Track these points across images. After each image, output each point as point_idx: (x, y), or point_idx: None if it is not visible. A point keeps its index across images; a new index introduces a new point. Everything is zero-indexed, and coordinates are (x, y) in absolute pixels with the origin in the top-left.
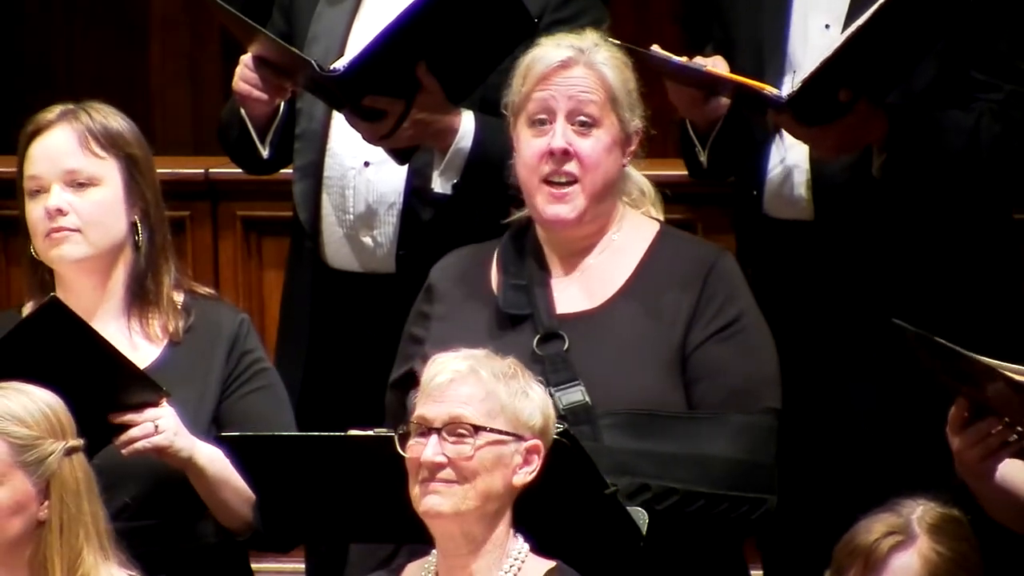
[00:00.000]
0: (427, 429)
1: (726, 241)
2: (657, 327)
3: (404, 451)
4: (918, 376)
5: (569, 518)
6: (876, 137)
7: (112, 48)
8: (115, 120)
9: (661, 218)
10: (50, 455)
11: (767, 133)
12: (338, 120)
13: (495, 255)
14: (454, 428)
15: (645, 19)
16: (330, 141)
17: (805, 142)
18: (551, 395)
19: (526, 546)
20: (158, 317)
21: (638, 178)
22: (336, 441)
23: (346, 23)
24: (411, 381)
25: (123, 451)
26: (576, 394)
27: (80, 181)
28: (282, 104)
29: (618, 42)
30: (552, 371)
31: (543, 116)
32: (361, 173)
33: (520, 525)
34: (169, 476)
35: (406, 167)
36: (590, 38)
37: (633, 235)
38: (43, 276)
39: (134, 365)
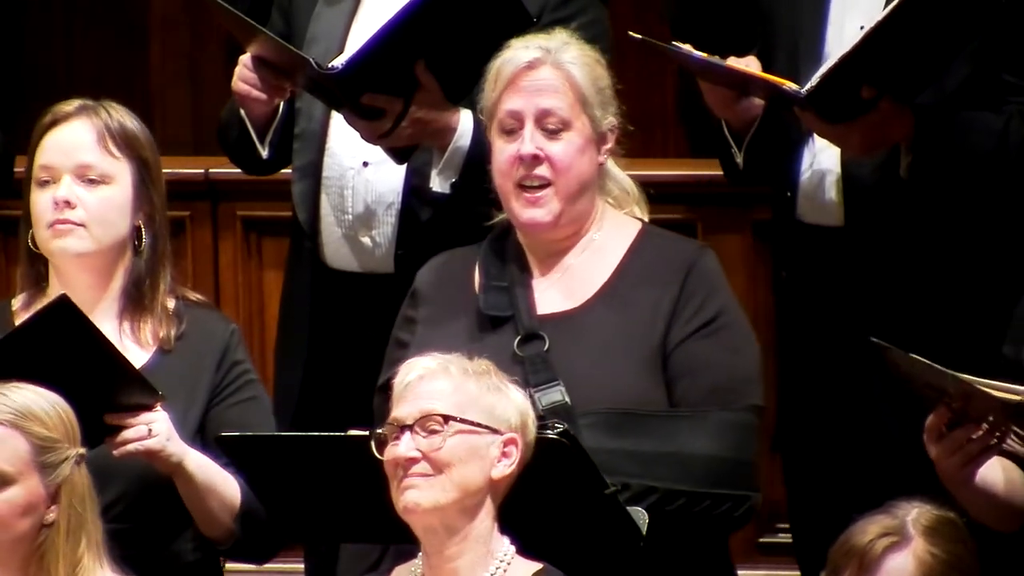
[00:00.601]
0: (400, 428)
1: (726, 241)
2: (638, 325)
3: (381, 455)
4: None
5: (569, 518)
6: (902, 136)
7: (112, 48)
8: (132, 122)
9: (645, 218)
10: (65, 460)
11: (802, 135)
12: (337, 120)
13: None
14: (425, 423)
15: (645, 19)
16: (329, 141)
17: (830, 140)
18: (531, 396)
19: (512, 548)
20: (150, 323)
21: (621, 178)
22: (334, 441)
23: (345, 24)
24: None
25: (115, 452)
26: (555, 394)
27: (92, 177)
28: (281, 104)
29: (639, 36)
30: (532, 372)
31: (512, 124)
32: (360, 173)
33: (519, 525)
34: (148, 484)
35: (405, 167)
36: (559, 37)
37: (614, 234)
38: (39, 268)
39: (134, 368)
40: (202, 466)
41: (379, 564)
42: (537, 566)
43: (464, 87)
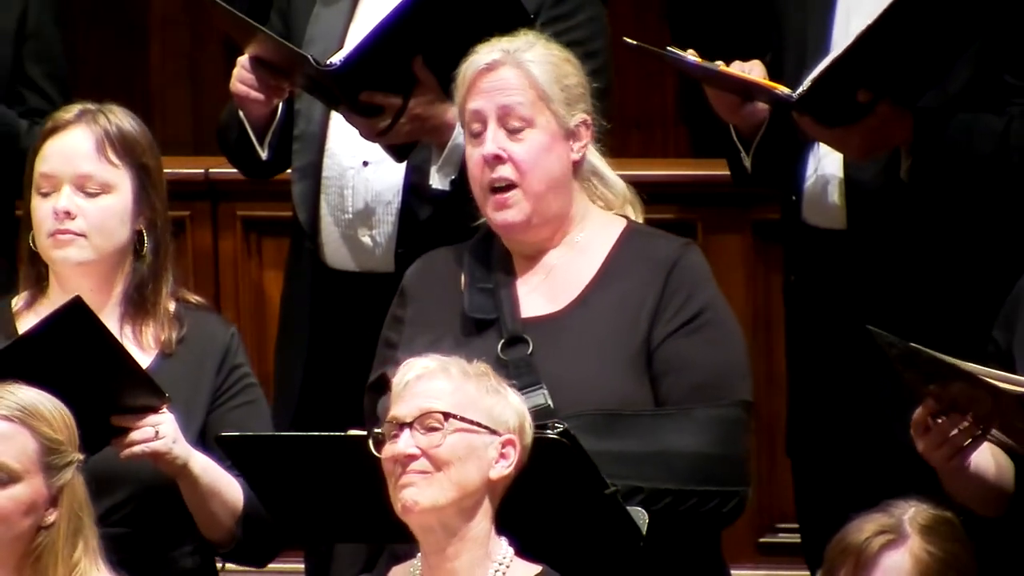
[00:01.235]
0: (400, 426)
1: (726, 241)
2: (622, 325)
3: (380, 454)
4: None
5: (569, 518)
6: (902, 139)
7: (112, 48)
8: (132, 126)
9: (639, 219)
10: (68, 463)
11: (807, 139)
12: (336, 121)
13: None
14: (424, 420)
15: (644, 19)
16: (328, 142)
17: (829, 144)
18: None
19: (511, 550)
20: (152, 327)
21: (613, 180)
22: (334, 441)
23: (343, 24)
24: (385, 385)
25: (121, 454)
26: (538, 398)
27: (92, 186)
28: (280, 106)
29: (634, 42)
30: (516, 375)
31: (478, 126)
32: (359, 173)
33: (518, 526)
34: (152, 489)
35: (404, 165)
36: (524, 38)
37: (598, 234)
38: (40, 269)
39: (143, 369)
40: (207, 468)
41: (374, 565)
42: (537, 568)
43: None
